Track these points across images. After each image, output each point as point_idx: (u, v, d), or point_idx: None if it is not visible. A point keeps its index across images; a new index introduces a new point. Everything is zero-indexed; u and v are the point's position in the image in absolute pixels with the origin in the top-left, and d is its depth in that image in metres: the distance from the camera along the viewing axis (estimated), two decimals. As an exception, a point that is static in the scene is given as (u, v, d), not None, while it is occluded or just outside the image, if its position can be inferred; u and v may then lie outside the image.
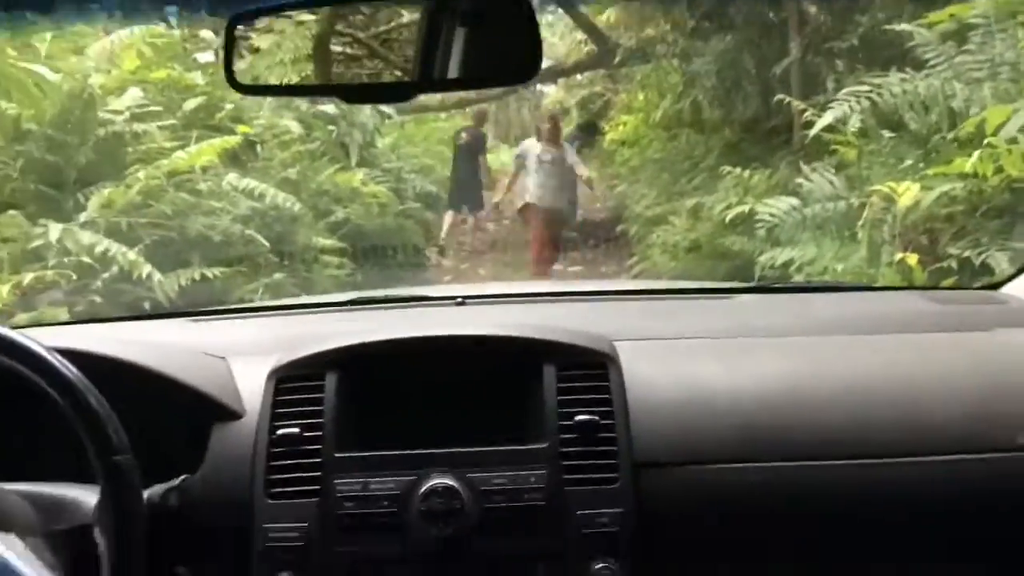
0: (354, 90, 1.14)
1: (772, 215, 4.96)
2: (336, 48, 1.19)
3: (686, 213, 6.94)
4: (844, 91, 4.91)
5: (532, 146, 8.04)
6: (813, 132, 4.98)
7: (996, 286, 1.91)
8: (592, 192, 9.19)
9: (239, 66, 1.09)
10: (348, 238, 6.92)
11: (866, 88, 4.64)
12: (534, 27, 0.91)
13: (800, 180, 5.24)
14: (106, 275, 5.06)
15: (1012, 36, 4.53)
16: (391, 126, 10.18)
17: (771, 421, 1.37)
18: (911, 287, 3.30)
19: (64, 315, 4.54)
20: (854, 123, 4.67)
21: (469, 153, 8.92)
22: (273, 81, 1.38)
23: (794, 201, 4.96)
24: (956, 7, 4.76)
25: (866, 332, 1.59)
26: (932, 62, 4.72)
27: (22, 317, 4.54)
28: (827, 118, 4.71)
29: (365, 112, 8.64)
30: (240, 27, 1.05)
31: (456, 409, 1.40)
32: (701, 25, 8.34)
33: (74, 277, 4.99)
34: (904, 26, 5.10)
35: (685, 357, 1.50)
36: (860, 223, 4.47)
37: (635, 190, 9.31)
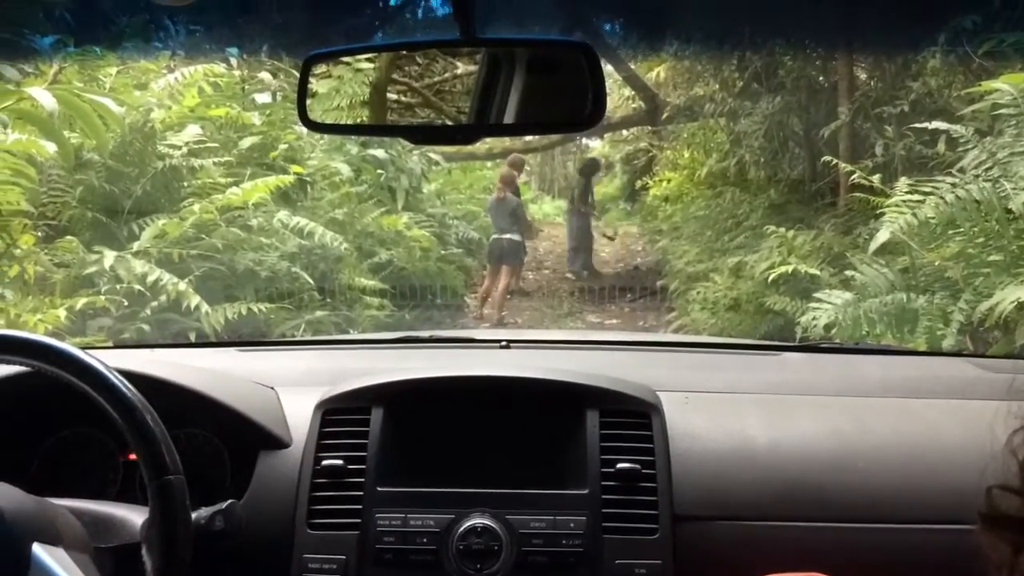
0: (419, 131, 1.18)
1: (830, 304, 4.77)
2: (392, 96, 1.22)
3: (728, 271, 6.90)
4: (895, 200, 4.70)
5: None
6: (872, 249, 4.71)
7: (1049, 354, 1.86)
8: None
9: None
10: (389, 280, 7.00)
11: (916, 197, 4.49)
12: (599, 75, 0.94)
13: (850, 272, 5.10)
14: (155, 304, 5.17)
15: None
16: (438, 172, 10.33)
17: (812, 481, 1.35)
18: (960, 353, 3.24)
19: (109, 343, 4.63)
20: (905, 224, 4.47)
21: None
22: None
23: (848, 295, 4.80)
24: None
25: (913, 396, 1.57)
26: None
27: (73, 341, 4.63)
28: (882, 235, 4.54)
29: (413, 158, 8.78)
30: (314, 67, 1.10)
31: (498, 450, 1.41)
32: (750, 86, 8.38)
33: (124, 304, 5.10)
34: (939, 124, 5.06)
35: (728, 411, 1.49)
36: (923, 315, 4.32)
37: (676, 246, 9.29)
